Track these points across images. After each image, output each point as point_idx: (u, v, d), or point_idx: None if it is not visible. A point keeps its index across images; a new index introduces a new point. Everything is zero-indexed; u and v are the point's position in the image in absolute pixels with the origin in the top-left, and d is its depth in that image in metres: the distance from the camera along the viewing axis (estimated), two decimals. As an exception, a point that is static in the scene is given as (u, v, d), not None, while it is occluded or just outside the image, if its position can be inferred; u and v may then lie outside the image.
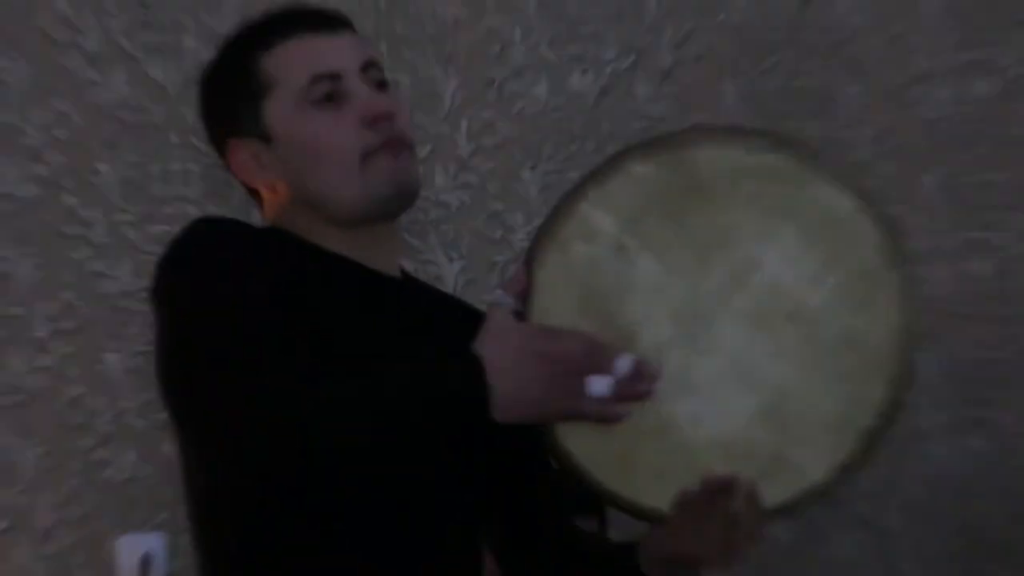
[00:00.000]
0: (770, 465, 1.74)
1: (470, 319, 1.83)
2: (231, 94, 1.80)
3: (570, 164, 2.93)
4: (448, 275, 2.96)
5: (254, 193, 1.84)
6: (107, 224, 2.83)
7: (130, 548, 2.82)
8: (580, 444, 1.71)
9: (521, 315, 1.69)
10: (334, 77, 1.75)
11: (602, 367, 1.63)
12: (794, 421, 1.75)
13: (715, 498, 1.73)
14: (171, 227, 2.79)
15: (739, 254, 1.73)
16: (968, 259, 3.04)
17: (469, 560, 1.89)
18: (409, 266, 2.67)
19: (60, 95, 2.81)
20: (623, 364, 1.64)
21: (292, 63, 1.76)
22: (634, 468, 1.73)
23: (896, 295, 1.74)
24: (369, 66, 1.80)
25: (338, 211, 1.78)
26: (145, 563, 2.80)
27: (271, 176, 1.79)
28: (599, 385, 1.63)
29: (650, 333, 1.70)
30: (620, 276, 1.71)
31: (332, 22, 1.81)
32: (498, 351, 1.62)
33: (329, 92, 1.75)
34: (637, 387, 1.65)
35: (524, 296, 1.68)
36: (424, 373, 1.64)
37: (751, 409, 1.74)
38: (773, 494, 1.74)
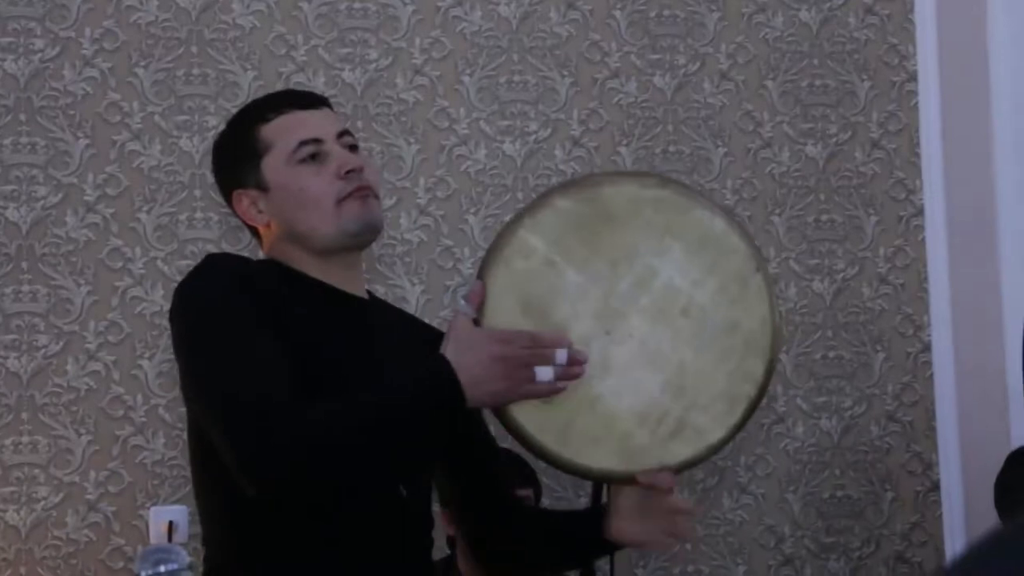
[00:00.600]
0: (678, 427, 1.91)
1: (422, 330, 2.08)
2: (236, 155, 2.01)
3: (504, 210, 3.19)
4: (411, 296, 3.16)
5: (254, 231, 2.04)
6: (145, 260, 3.08)
7: (159, 517, 3.03)
8: (529, 419, 1.87)
9: (478, 321, 1.85)
10: (316, 141, 1.96)
11: (545, 359, 1.82)
12: (693, 392, 1.91)
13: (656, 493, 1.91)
14: (195, 262, 2.76)
15: (641, 265, 1.91)
16: (811, 280, 3.38)
17: (425, 530, 2.02)
18: (380, 290, 3.00)
19: (111, 161, 3.07)
20: (560, 356, 1.83)
21: (284, 131, 1.97)
22: (572, 435, 1.88)
23: (762, 291, 1.94)
24: (343, 134, 2.01)
25: (317, 244, 1.96)
26: (171, 529, 3.00)
27: (266, 218, 1.98)
28: (544, 373, 1.82)
29: (577, 328, 1.87)
30: (551, 285, 1.87)
31: (314, 101, 2.04)
32: (463, 354, 1.80)
33: (313, 153, 1.95)
34: (572, 370, 1.83)
35: (481, 305, 1.84)
36: (404, 380, 1.81)
37: (659, 384, 1.90)
38: (682, 451, 1.92)
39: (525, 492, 2.98)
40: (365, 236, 1.99)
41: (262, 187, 1.98)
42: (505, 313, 1.86)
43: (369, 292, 2.06)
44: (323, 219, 1.95)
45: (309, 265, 1.98)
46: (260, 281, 1.91)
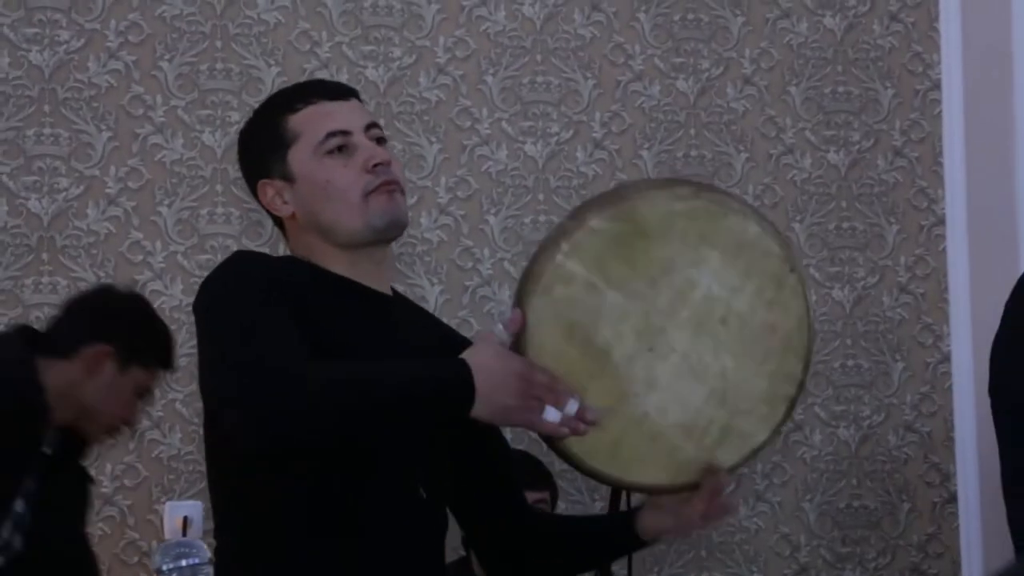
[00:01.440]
0: (723, 435, 1.94)
1: (446, 333, 2.08)
2: (263, 145, 1.99)
3: (524, 211, 3.23)
4: (430, 296, 3.19)
5: (278, 222, 2.03)
6: (165, 254, 3.10)
7: (174, 512, 3.02)
8: (577, 442, 1.89)
9: (515, 348, 1.86)
10: (344, 133, 1.95)
11: (558, 401, 1.83)
12: (735, 399, 1.93)
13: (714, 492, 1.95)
14: (214, 256, 3.08)
15: (679, 278, 1.92)
16: (831, 288, 3.40)
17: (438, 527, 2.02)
18: (400, 288, 3.08)
19: (133, 155, 3.10)
20: (571, 406, 1.85)
21: (312, 122, 1.96)
22: (621, 453, 1.91)
23: (797, 291, 1.96)
24: (371, 126, 1.99)
25: (342, 237, 1.95)
26: (185, 524, 2.98)
27: (291, 209, 1.97)
28: (551, 414, 1.83)
29: (621, 348, 1.89)
30: (593, 308, 1.88)
31: (343, 91, 2.03)
32: (485, 362, 1.81)
33: (340, 144, 1.94)
34: (577, 425, 1.84)
35: (518, 333, 1.86)
36: (423, 367, 1.83)
37: (703, 395, 1.92)
38: (729, 457, 1.95)
39: (541, 495, 3.01)
40: (391, 231, 1.98)
41: (288, 178, 1.97)
42: (549, 341, 1.88)
43: (393, 289, 2.06)
44: (349, 212, 1.95)
45: (333, 259, 1.97)
46: (285, 277, 1.92)
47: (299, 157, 1.96)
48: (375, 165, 1.94)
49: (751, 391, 1.95)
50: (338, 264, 1.97)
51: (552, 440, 1.93)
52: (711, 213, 1.95)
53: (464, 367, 1.81)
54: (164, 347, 2.62)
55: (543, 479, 3.08)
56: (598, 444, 1.90)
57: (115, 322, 2.58)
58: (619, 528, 2.07)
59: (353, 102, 2.02)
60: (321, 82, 2.06)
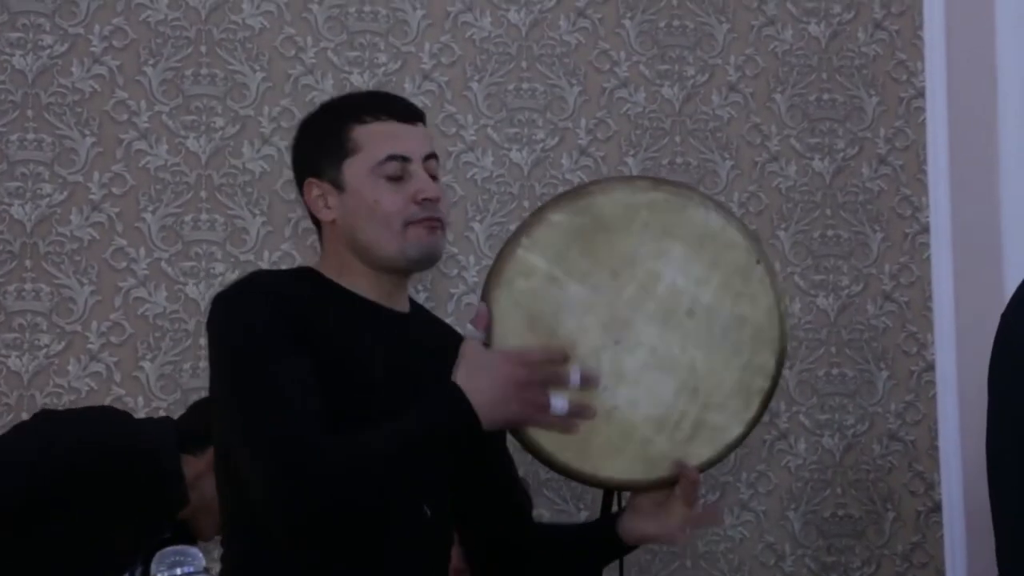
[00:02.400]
0: (695, 429, 1.95)
1: (457, 339, 2.02)
2: (322, 146, 2.02)
3: (510, 218, 3.21)
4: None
5: (316, 221, 2.06)
6: (149, 260, 3.08)
7: None
8: (546, 437, 1.91)
9: (487, 344, 1.89)
10: (404, 159, 1.98)
11: (558, 379, 1.86)
12: (707, 392, 1.94)
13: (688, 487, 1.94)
14: (198, 263, 3.09)
15: (643, 270, 1.93)
16: (815, 296, 3.41)
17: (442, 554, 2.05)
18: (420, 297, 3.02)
19: (117, 161, 3.08)
20: (574, 375, 1.87)
21: (376, 139, 1.98)
22: (591, 448, 1.92)
23: (765, 282, 1.97)
24: (430, 157, 2.02)
25: (375, 259, 1.98)
26: None
27: (333, 215, 2.00)
28: (559, 405, 1.86)
29: (586, 342, 1.91)
30: (555, 301, 1.91)
31: (413, 115, 2.03)
32: (476, 378, 1.84)
33: (398, 170, 1.97)
34: (585, 409, 1.88)
35: (487, 328, 1.89)
36: (420, 412, 1.84)
37: (673, 388, 1.93)
38: (703, 451, 1.96)
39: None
40: (423, 264, 2.03)
41: (338, 185, 2.00)
42: (512, 334, 1.90)
43: (413, 302, 2.09)
44: (388, 237, 1.98)
45: (358, 274, 2.01)
46: (301, 299, 1.94)
47: (354, 170, 1.99)
48: (424, 199, 1.98)
49: (722, 384, 1.96)
50: (361, 280, 2.01)
51: (521, 436, 1.93)
52: (672, 205, 1.97)
53: (457, 392, 1.85)
54: None
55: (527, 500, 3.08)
56: (568, 439, 1.90)
57: None
58: (603, 533, 2.07)
59: (419, 128, 2.04)
60: (394, 100, 2.06)
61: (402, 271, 2.02)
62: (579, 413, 1.89)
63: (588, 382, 1.89)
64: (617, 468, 1.96)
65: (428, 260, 2.02)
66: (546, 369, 1.87)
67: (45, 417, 2.68)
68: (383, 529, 1.93)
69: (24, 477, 2.51)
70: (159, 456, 2.63)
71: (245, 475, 1.86)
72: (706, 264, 1.96)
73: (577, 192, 2.00)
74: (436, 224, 2.00)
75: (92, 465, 2.53)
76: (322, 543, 1.90)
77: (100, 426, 2.63)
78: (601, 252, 1.94)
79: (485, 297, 1.94)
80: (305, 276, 2.04)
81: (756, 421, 1.99)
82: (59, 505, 2.51)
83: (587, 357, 1.90)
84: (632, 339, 1.93)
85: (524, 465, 3.18)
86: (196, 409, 2.77)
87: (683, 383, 1.95)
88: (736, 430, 1.97)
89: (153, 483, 2.60)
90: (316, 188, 2.02)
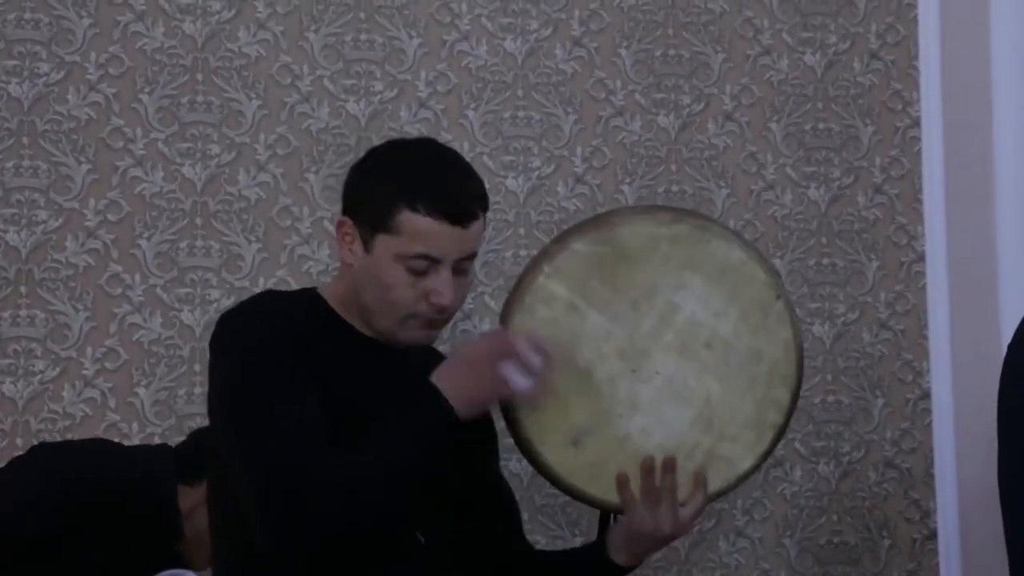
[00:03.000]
0: (707, 461, 1.97)
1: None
2: (366, 204, 2.00)
3: (505, 245, 3.22)
4: None
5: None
6: (144, 287, 3.07)
7: None
8: (558, 459, 1.94)
9: None
10: (434, 261, 1.96)
11: (507, 351, 1.91)
12: (721, 424, 1.97)
13: (652, 476, 1.94)
14: (193, 290, 3.08)
15: (662, 302, 1.96)
16: (812, 323, 3.39)
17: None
18: None
19: (112, 188, 3.08)
20: (521, 346, 1.91)
21: (417, 234, 1.95)
22: (602, 474, 1.95)
23: (784, 317, 2.00)
24: (465, 259, 2.00)
25: (369, 321, 2.01)
26: None
27: (352, 261, 2.01)
28: (518, 380, 1.89)
29: (603, 370, 1.94)
30: (575, 329, 1.94)
31: (468, 217, 1.99)
32: (444, 372, 1.91)
33: (423, 267, 1.96)
34: (542, 381, 1.90)
35: None
36: (405, 420, 1.87)
37: (688, 418, 1.96)
38: (713, 483, 1.98)
39: None
40: (409, 347, 2.04)
41: (366, 245, 2.00)
42: None
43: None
44: (384, 317, 1.99)
45: (359, 315, 2.02)
46: (303, 326, 1.96)
47: (384, 247, 1.98)
48: (434, 303, 1.97)
49: (737, 417, 1.97)
50: (360, 319, 2.03)
51: (533, 459, 1.94)
52: (694, 238, 1.98)
53: (431, 390, 1.88)
54: None
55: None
56: (579, 463, 1.93)
57: None
58: (595, 555, 2.09)
59: (471, 228, 2.00)
60: (455, 199, 1.99)
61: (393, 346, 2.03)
62: (536, 385, 1.92)
63: (538, 350, 1.91)
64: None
65: (418, 346, 2.05)
66: (492, 345, 1.90)
67: (42, 449, 2.67)
68: (377, 557, 1.93)
69: (26, 512, 2.50)
70: (156, 485, 2.61)
71: (243, 500, 1.85)
72: (725, 297, 1.97)
73: (599, 221, 2.01)
74: (437, 323, 2.00)
75: (89, 495, 2.53)
76: (316, 572, 1.89)
77: (97, 458, 2.63)
78: (622, 282, 1.95)
79: (505, 323, 1.96)
80: (309, 302, 2.03)
81: (768, 455, 2.03)
82: (59, 539, 2.50)
83: (603, 385, 1.92)
84: (649, 369, 1.95)
85: (520, 491, 3.21)
86: (195, 438, 2.76)
87: (698, 414, 1.96)
88: (747, 462, 2.00)
89: (150, 513, 2.58)
90: (348, 229, 2.03)
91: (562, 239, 1.99)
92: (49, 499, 2.51)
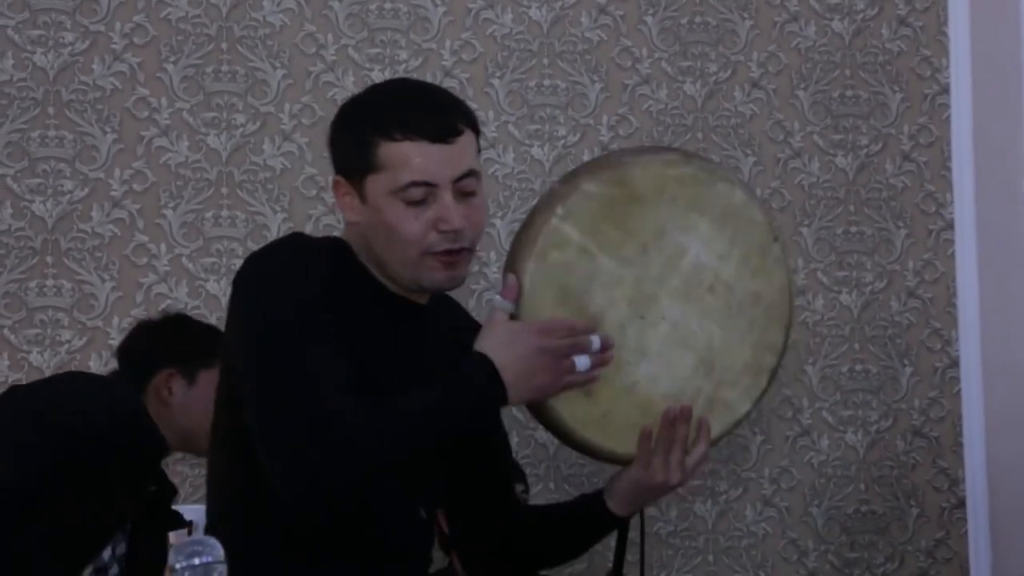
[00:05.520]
0: (708, 406, 1.91)
1: (469, 327, 1.95)
2: (349, 152, 1.87)
3: (531, 215, 3.39)
4: None
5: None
6: (170, 256, 3.03)
7: None
8: (569, 413, 1.86)
9: (515, 316, 1.82)
10: (428, 185, 1.80)
11: (582, 347, 1.80)
12: (722, 369, 1.91)
13: (674, 427, 1.88)
14: (219, 259, 3.02)
15: (670, 244, 1.88)
16: (839, 292, 3.33)
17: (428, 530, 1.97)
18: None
19: (138, 158, 3.02)
20: (595, 342, 1.81)
21: (401, 161, 1.80)
22: (612, 424, 1.88)
23: (780, 260, 1.94)
24: (464, 176, 1.83)
25: (391, 274, 1.87)
26: (191, 529, 2.54)
27: (356, 218, 1.87)
28: (582, 363, 1.80)
29: (613, 315, 1.85)
30: (587, 273, 1.84)
31: (449, 132, 1.82)
32: (505, 351, 1.76)
33: (420, 197, 1.81)
34: (605, 356, 1.82)
35: (516, 300, 1.82)
36: (454, 386, 1.77)
37: (691, 364, 1.90)
38: (712, 429, 1.92)
39: (519, 488, 2.84)
40: (436, 291, 1.91)
41: (361, 196, 1.86)
42: (543, 306, 1.83)
43: (439, 295, 1.96)
44: (403, 262, 1.85)
45: (377, 268, 1.89)
46: (330, 275, 1.84)
47: (376, 188, 1.84)
48: (445, 229, 1.83)
49: (736, 361, 1.93)
50: (379, 274, 1.89)
51: (542, 414, 1.87)
52: (699, 180, 1.92)
53: (487, 365, 1.76)
54: (214, 339, 2.55)
55: (517, 473, 3.01)
56: (590, 414, 1.86)
57: (160, 345, 2.55)
58: (595, 506, 2.01)
59: (456, 145, 1.84)
60: (428, 115, 1.84)
61: (417, 292, 1.90)
62: (600, 362, 1.84)
63: (607, 347, 1.84)
64: (634, 446, 1.91)
65: (445, 289, 1.90)
66: (571, 340, 1.80)
67: (17, 395, 2.50)
68: (380, 533, 1.86)
69: (24, 458, 2.37)
70: (127, 414, 2.46)
71: (265, 449, 1.74)
72: (728, 239, 1.92)
73: (609, 161, 1.95)
74: (456, 257, 1.84)
75: (75, 435, 2.37)
76: (319, 548, 1.82)
77: (77, 398, 2.48)
78: (632, 224, 1.88)
79: (515, 268, 1.85)
80: (337, 250, 1.90)
81: (762, 397, 1.97)
82: (57, 484, 2.37)
83: (612, 331, 1.85)
84: (656, 314, 1.89)
85: (546, 460, 3.15)
86: (119, 359, 2.61)
87: (701, 359, 1.91)
88: (744, 406, 1.95)
89: (134, 444, 2.44)
90: (342, 187, 1.89)
91: (572, 180, 1.90)
92: (30, 438, 2.37)
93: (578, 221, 1.86)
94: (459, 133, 1.84)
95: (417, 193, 1.81)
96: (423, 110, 1.85)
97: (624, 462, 1.95)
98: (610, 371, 1.85)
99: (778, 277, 1.95)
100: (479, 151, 1.90)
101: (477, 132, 1.89)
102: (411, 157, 1.81)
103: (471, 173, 1.85)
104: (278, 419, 1.73)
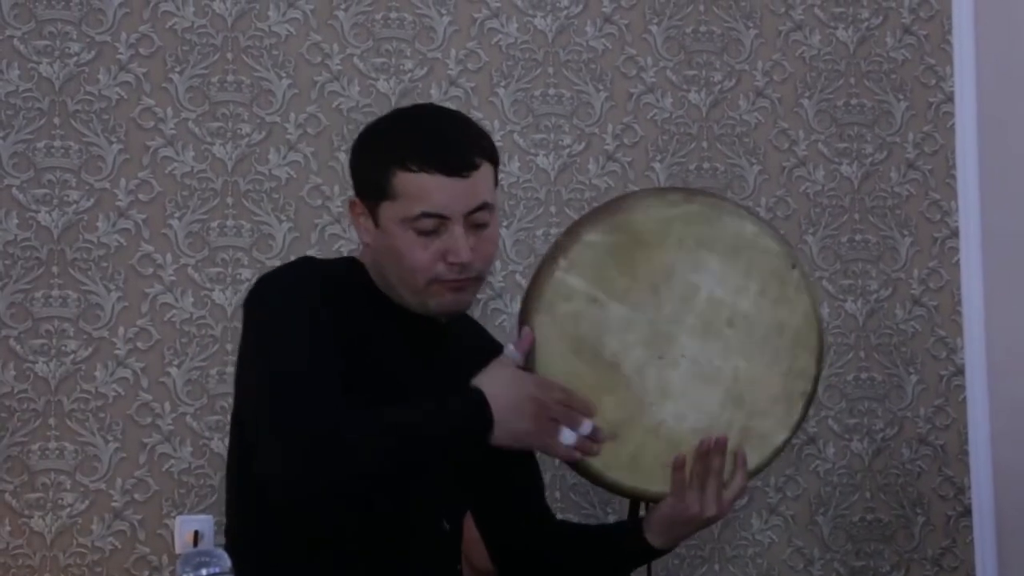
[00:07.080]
0: (743, 437, 1.90)
1: (487, 353, 1.92)
2: (364, 176, 1.89)
3: (536, 224, 3.13)
4: None
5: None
6: (175, 267, 2.99)
7: (184, 526, 2.94)
8: (596, 457, 1.85)
9: (525, 368, 1.83)
10: (440, 218, 1.82)
11: (573, 421, 1.81)
12: (752, 400, 1.89)
13: (709, 459, 1.87)
14: (224, 269, 3.00)
15: (681, 284, 1.87)
16: (844, 300, 3.29)
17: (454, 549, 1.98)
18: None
19: (143, 167, 2.99)
20: (585, 427, 1.82)
21: (415, 193, 1.82)
22: (641, 464, 1.88)
23: (801, 286, 1.92)
24: (476, 210, 1.84)
25: (399, 297, 1.89)
26: (196, 539, 2.93)
27: (368, 239, 1.90)
28: (567, 436, 1.81)
29: (630, 360, 1.85)
30: (597, 322, 1.84)
31: (465, 166, 1.83)
32: (500, 389, 1.77)
33: (431, 228, 1.83)
34: (591, 446, 1.82)
35: (528, 352, 1.84)
36: (441, 408, 1.76)
37: (718, 398, 1.89)
38: (750, 460, 1.91)
39: None
40: (442, 318, 1.92)
41: (375, 219, 1.88)
42: (557, 359, 1.84)
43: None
44: (410, 289, 1.87)
45: (391, 291, 1.91)
46: (342, 298, 1.86)
47: (389, 215, 1.85)
48: (452, 261, 1.84)
49: (766, 391, 1.90)
50: (394, 295, 1.91)
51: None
52: (706, 216, 1.90)
53: (479, 396, 1.76)
54: None
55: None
56: (617, 457, 1.85)
57: None
58: (631, 534, 1.99)
59: (471, 180, 1.84)
60: (445, 149, 1.84)
61: (424, 317, 1.91)
62: (584, 448, 1.83)
63: (595, 437, 1.83)
64: (667, 482, 1.91)
65: (449, 316, 1.91)
66: (565, 408, 1.81)
67: None
68: (401, 544, 1.85)
69: None
70: None
71: (260, 455, 1.73)
72: (742, 272, 1.91)
73: (610, 208, 1.92)
74: (463, 283, 1.86)
75: None
76: (341, 557, 1.81)
77: None
78: (639, 269, 1.87)
79: (527, 321, 1.86)
80: (349, 271, 1.92)
81: (800, 425, 1.95)
82: None
83: (632, 375, 1.85)
84: (674, 353, 1.88)
85: (552, 469, 3.12)
86: None
87: (728, 393, 1.90)
88: (781, 435, 1.93)
89: None
90: (358, 208, 1.91)
91: (574, 231, 1.89)
92: None
93: (582, 271, 1.85)
94: (475, 167, 1.84)
95: (428, 224, 1.82)
96: (441, 142, 1.85)
97: (659, 499, 1.94)
98: (634, 413, 1.85)
99: (801, 304, 1.93)
100: (496, 183, 1.88)
101: (496, 164, 1.88)
102: (425, 189, 1.81)
103: (484, 206, 1.85)
104: (265, 412, 1.73)
